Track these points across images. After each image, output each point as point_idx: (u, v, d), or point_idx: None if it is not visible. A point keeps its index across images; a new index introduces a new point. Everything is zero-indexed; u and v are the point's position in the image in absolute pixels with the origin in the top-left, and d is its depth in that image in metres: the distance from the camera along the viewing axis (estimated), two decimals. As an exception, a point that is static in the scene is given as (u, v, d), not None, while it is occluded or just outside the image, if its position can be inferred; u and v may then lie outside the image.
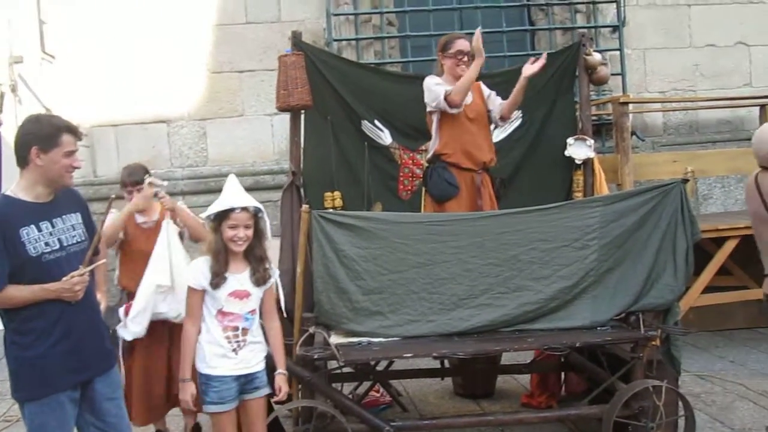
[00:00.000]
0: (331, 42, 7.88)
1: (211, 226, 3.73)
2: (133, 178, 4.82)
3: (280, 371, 3.81)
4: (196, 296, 3.70)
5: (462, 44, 4.96)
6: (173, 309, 4.52)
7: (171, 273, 4.51)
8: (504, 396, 5.84)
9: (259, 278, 3.75)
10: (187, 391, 3.74)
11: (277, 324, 3.89)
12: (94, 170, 7.97)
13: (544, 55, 4.97)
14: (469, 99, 4.94)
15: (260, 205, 3.78)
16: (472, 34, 4.78)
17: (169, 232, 4.60)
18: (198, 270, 3.70)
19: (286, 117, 5.21)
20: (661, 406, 4.24)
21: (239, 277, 3.72)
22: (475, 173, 4.95)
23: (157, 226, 4.70)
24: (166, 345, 4.71)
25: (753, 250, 4.48)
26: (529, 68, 4.91)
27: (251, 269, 3.75)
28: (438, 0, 8.12)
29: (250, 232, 3.70)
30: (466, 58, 4.91)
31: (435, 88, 4.88)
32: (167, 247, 4.55)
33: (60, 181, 3.29)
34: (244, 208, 3.68)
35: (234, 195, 3.73)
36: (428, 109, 4.99)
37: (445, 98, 4.81)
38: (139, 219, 4.81)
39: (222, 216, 3.67)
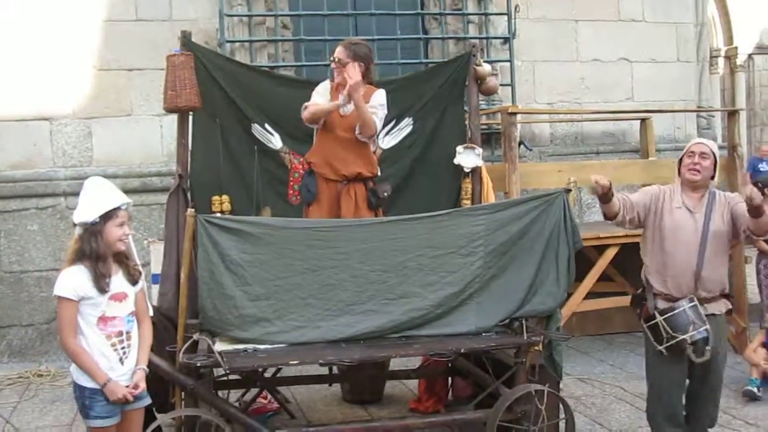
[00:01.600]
0: (224, 43, 7.74)
1: (91, 230, 3.58)
2: None
3: (141, 366, 3.68)
4: (71, 308, 3.53)
5: (337, 52, 4.95)
6: None
7: None
8: (392, 401, 5.87)
9: (133, 276, 3.69)
10: (117, 389, 3.55)
11: (149, 323, 3.81)
12: (-29, 169, 7.56)
13: None
14: (348, 110, 4.89)
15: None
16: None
17: None
18: (74, 280, 3.53)
19: (176, 118, 5.09)
20: (543, 410, 4.34)
21: (115, 279, 3.62)
22: (339, 183, 4.94)
23: None
24: None
25: (632, 257, 4.65)
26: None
27: (123, 268, 3.67)
28: (333, 5, 8.09)
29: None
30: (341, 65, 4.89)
31: (312, 95, 4.93)
32: None
33: None
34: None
35: (116, 192, 3.66)
36: None
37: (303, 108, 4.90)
38: None
39: (108, 216, 3.56)
